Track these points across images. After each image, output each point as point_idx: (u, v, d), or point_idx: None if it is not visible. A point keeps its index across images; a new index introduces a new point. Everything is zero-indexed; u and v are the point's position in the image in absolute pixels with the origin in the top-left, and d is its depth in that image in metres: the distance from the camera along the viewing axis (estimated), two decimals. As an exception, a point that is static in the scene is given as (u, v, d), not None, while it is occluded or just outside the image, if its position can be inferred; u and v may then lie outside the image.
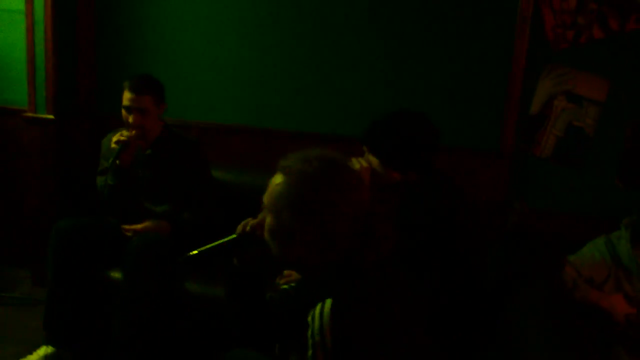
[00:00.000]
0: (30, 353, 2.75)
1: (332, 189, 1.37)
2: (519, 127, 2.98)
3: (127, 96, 2.75)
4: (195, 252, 1.69)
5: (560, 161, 2.98)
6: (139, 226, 2.76)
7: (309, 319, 1.31)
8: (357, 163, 2.19)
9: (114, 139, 2.73)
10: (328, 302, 1.30)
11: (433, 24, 3.04)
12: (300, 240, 1.39)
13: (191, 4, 3.34)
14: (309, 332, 1.30)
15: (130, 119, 2.75)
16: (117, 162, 2.73)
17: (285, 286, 1.67)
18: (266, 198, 1.45)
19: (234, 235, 1.64)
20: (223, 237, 1.67)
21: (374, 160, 2.20)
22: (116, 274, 2.75)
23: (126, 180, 2.79)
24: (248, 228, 1.59)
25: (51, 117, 3.31)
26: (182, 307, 2.66)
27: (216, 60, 3.35)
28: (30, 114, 3.35)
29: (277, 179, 1.43)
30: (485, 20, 2.97)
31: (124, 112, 2.78)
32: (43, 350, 2.66)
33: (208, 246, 1.68)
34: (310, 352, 1.29)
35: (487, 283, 2.33)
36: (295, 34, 3.22)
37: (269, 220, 1.46)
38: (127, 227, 2.76)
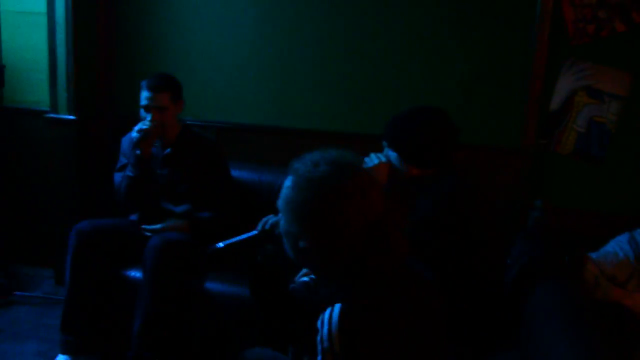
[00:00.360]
0: (53, 351, 2.79)
1: (338, 196, 1.32)
2: (539, 124, 2.95)
3: (145, 95, 2.78)
4: (221, 244, 1.72)
5: (581, 158, 2.94)
6: (158, 226, 2.77)
7: (318, 323, 1.28)
8: (375, 158, 2.19)
9: (136, 127, 2.75)
10: (337, 308, 1.28)
11: (453, 21, 3.02)
12: (309, 245, 1.37)
13: (209, 4, 3.35)
14: (318, 337, 1.27)
15: (149, 118, 2.78)
16: (138, 151, 2.75)
17: (306, 278, 1.67)
18: (279, 199, 1.44)
19: (255, 232, 1.65)
20: (245, 233, 1.69)
21: (392, 156, 2.19)
22: (136, 274, 2.76)
23: (146, 173, 2.81)
24: (267, 226, 1.60)
25: (73, 117, 3.35)
26: (203, 307, 2.68)
27: (234, 60, 3.36)
28: (52, 115, 3.39)
29: (287, 181, 1.41)
30: (505, 16, 2.94)
31: (142, 110, 2.80)
32: None
33: (232, 241, 1.71)
34: (319, 358, 1.28)
35: (507, 281, 2.30)
36: (313, 33, 3.22)
37: (282, 221, 1.45)
38: (146, 227, 2.78)
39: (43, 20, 3.34)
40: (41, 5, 3.33)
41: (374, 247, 1.34)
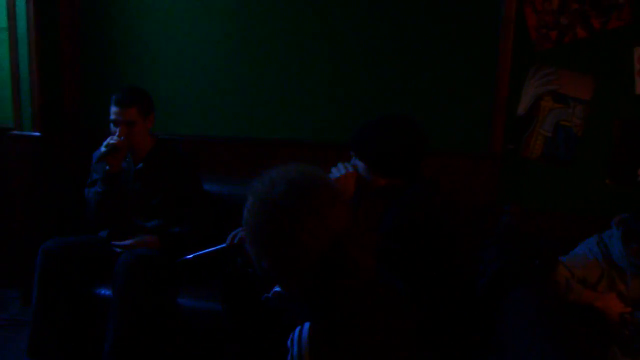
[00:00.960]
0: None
1: (292, 220, 1.27)
2: (507, 129, 2.98)
3: (112, 109, 2.74)
4: (190, 256, 1.74)
5: (549, 161, 2.98)
6: (127, 242, 2.73)
7: (288, 343, 1.26)
8: (343, 168, 2.18)
9: (104, 142, 2.72)
10: (305, 327, 1.26)
11: (418, 28, 3.04)
12: (269, 267, 1.34)
13: (177, 17, 3.33)
14: (289, 357, 1.25)
15: (118, 132, 2.74)
16: (107, 167, 2.71)
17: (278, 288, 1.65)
18: (243, 219, 1.41)
19: (224, 245, 1.64)
20: (214, 246, 1.70)
21: (360, 165, 2.18)
22: (106, 292, 2.72)
23: (116, 188, 2.77)
24: (236, 240, 1.58)
25: (38, 134, 3.29)
26: (175, 323, 2.64)
27: (202, 72, 3.34)
28: (16, 132, 3.32)
29: (247, 202, 1.37)
30: (469, 22, 2.97)
31: (111, 125, 2.76)
32: None
33: (201, 252, 1.73)
34: None
35: (479, 287, 2.31)
36: (280, 44, 3.22)
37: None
38: (116, 244, 2.74)
39: (4, 36, 3.28)
40: (2, 21, 3.28)
41: (336, 267, 1.30)
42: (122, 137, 2.72)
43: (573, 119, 2.92)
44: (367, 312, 1.34)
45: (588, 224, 2.83)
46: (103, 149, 2.71)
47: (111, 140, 2.71)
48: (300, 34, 3.18)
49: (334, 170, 2.17)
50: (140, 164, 2.86)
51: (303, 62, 3.20)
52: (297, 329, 1.27)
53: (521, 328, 1.98)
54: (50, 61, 3.35)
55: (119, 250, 2.72)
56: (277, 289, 1.65)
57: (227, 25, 3.27)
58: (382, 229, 1.98)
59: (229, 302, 1.65)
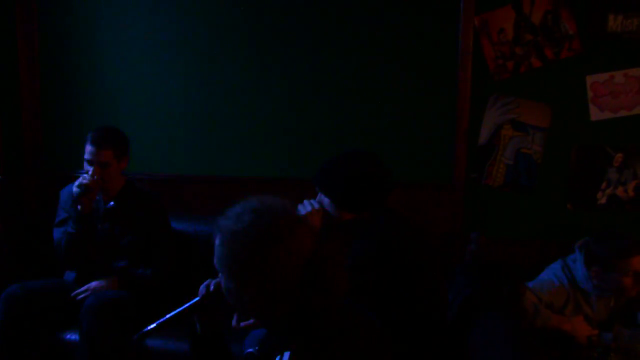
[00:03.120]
0: None
1: (263, 243, 1.32)
2: (469, 158, 3.03)
3: (88, 149, 2.72)
4: (153, 325, 1.61)
5: (512, 189, 3.03)
6: (85, 288, 2.69)
7: None
8: (309, 205, 2.18)
9: (77, 182, 2.68)
10: (285, 356, 1.27)
11: (379, 63, 3.09)
12: (248, 297, 1.36)
13: (141, 52, 3.32)
14: None
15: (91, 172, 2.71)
16: (79, 207, 2.67)
17: (251, 349, 1.63)
18: (214, 260, 1.43)
19: (197, 299, 1.59)
20: (183, 304, 1.60)
21: (325, 201, 2.19)
22: (72, 337, 2.66)
23: (87, 229, 2.73)
24: (212, 287, 1.55)
25: (-2, 177, 3.23)
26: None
27: (164, 110, 3.33)
28: (-25, 176, 3.26)
29: (217, 239, 1.40)
30: (429, 55, 3.03)
31: (85, 164, 2.73)
32: None
33: (168, 316, 1.61)
34: None
35: (450, 316, 2.32)
36: (242, 81, 3.23)
37: (222, 280, 1.44)
38: (75, 292, 2.69)
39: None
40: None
41: (312, 285, 1.34)
42: (95, 177, 2.70)
43: (533, 147, 2.98)
44: (345, 338, 1.36)
45: (552, 248, 2.88)
46: (76, 189, 2.67)
47: (84, 180, 2.68)
48: (265, 71, 3.20)
49: (300, 207, 2.17)
50: (111, 203, 2.83)
51: (268, 100, 3.22)
52: (277, 358, 1.27)
53: (491, 353, 1.99)
54: (8, 102, 3.31)
55: (81, 296, 2.66)
56: (250, 349, 1.64)
57: (193, 61, 3.28)
58: (349, 262, 1.98)
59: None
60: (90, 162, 2.72)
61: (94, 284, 2.71)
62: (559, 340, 2.47)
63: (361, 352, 1.37)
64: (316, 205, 2.18)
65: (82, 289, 2.70)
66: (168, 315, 1.60)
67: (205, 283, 1.58)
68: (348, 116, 3.14)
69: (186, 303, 1.60)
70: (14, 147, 3.35)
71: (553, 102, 2.93)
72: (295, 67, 3.17)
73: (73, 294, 2.69)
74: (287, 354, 1.27)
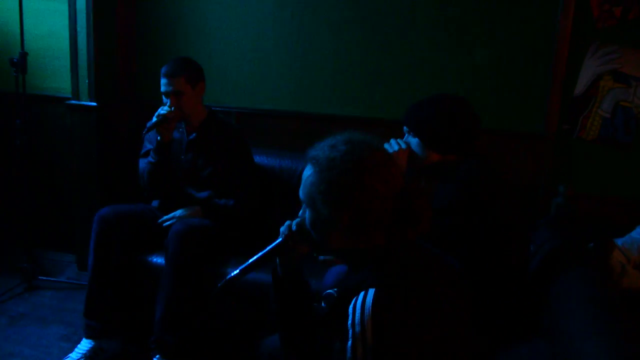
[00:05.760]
0: (76, 335, 2.83)
1: (361, 170, 1.34)
2: (563, 109, 2.90)
3: (162, 81, 2.78)
4: (236, 272, 1.60)
5: (606, 143, 2.89)
6: (171, 215, 2.80)
7: (350, 308, 1.27)
8: (396, 144, 2.18)
9: (156, 113, 2.77)
10: (370, 293, 1.27)
11: (475, 6, 2.97)
12: (339, 227, 1.37)
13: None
14: (349, 322, 1.26)
15: (168, 103, 2.78)
16: (158, 137, 2.77)
17: (331, 291, 1.65)
18: (301, 192, 1.44)
19: (279, 240, 1.59)
20: (265, 248, 1.61)
21: (413, 142, 2.18)
22: (158, 260, 2.79)
23: (166, 159, 2.82)
24: (294, 227, 1.56)
25: (94, 104, 3.36)
26: (224, 292, 2.68)
27: (255, 45, 3.34)
28: (73, 102, 3.41)
29: (307, 170, 1.42)
30: (528, -1, 2.89)
31: (163, 97, 2.80)
32: (84, 344, 2.70)
33: (251, 261, 1.61)
34: (349, 343, 1.27)
35: (530, 268, 2.28)
36: (333, 19, 3.19)
37: (308, 213, 1.45)
38: (161, 220, 2.80)
39: (64, 8, 3.35)
40: (62, -8, 3.35)
41: (404, 217, 1.36)
42: (172, 108, 2.76)
43: (634, 100, 2.82)
44: (428, 279, 1.38)
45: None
46: (154, 119, 2.76)
47: (162, 110, 2.76)
48: (357, 10, 3.14)
49: (386, 146, 2.17)
50: (194, 135, 2.90)
51: (357, 38, 3.17)
52: (361, 295, 1.27)
53: (572, 313, 1.94)
54: (106, 34, 3.41)
55: (166, 224, 2.77)
56: (329, 291, 1.65)
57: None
58: (436, 205, 1.96)
59: (279, 308, 1.65)
60: (166, 94, 2.78)
61: (179, 212, 2.81)
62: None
63: (441, 294, 1.37)
64: (403, 145, 2.17)
65: (168, 216, 2.81)
66: (250, 260, 1.61)
67: (286, 224, 1.58)
68: (440, 59, 3.06)
69: (268, 246, 1.60)
70: (108, 76, 3.47)
71: (662, 53, 2.75)
72: (389, 6, 3.09)
73: (159, 220, 2.81)
74: (371, 292, 1.27)
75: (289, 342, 1.64)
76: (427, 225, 1.39)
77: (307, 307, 1.65)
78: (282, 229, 1.59)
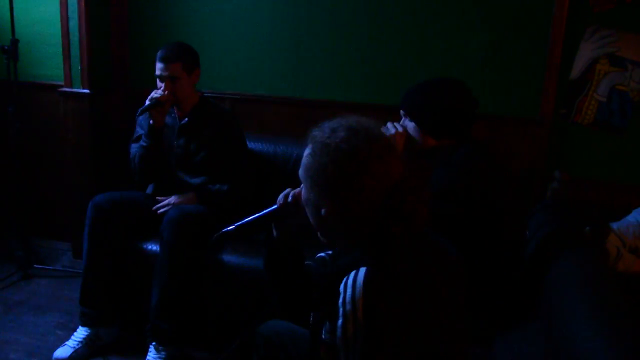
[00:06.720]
0: (73, 323, 2.82)
1: (354, 161, 1.31)
2: (559, 93, 2.89)
3: (158, 65, 2.76)
4: (231, 227, 1.63)
5: (602, 128, 2.88)
6: (165, 202, 2.79)
7: (341, 287, 1.27)
8: (392, 127, 2.17)
9: (149, 96, 2.75)
10: (361, 271, 1.27)
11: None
12: (329, 212, 1.37)
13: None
14: (340, 300, 1.26)
15: (162, 88, 2.76)
16: (150, 121, 2.75)
17: (322, 254, 1.66)
18: (300, 168, 1.44)
19: (275, 207, 1.61)
20: (261, 210, 1.63)
21: (410, 126, 2.17)
22: (153, 247, 2.78)
23: (158, 143, 2.80)
24: (290, 198, 1.57)
25: (87, 91, 3.34)
26: (219, 279, 2.68)
27: (250, 30, 3.32)
28: (66, 89, 3.38)
29: (307, 149, 1.41)
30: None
31: (157, 81, 2.78)
32: (80, 332, 2.70)
33: (246, 220, 1.63)
34: (340, 321, 1.27)
35: (526, 253, 2.28)
36: (329, 5, 3.16)
37: (303, 190, 1.45)
38: (156, 207, 2.79)
39: (56, -7, 3.32)
40: (53, -23, 3.31)
41: (391, 214, 1.33)
42: (166, 92, 2.75)
43: (630, 84, 2.81)
44: (421, 261, 1.36)
45: (640, 193, 2.76)
46: (147, 102, 2.74)
47: (155, 94, 2.73)
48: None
49: (383, 129, 2.16)
50: (186, 119, 2.88)
51: (353, 23, 3.14)
52: (353, 273, 1.27)
53: (569, 297, 1.94)
54: (99, 19, 3.38)
55: (160, 211, 2.76)
56: (321, 254, 1.66)
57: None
58: (432, 190, 1.96)
59: (271, 269, 1.68)
60: (161, 78, 2.76)
61: (173, 198, 2.80)
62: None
63: (435, 276, 1.37)
64: (400, 129, 2.17)
65: (163, 202, 2.80)
66: (246, 219, 1.63)
67: (284, 192, 1.60)
68: (436, 43, 3.04)
69: (264, 210, 1.62)
70: (101, 63, 3.44)
71: (658, 37, 2.73)
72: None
73: (154, 207, 2.80)
74: (362, 270, 1.27)
75: (281, 301, 1.67)
76: (421, 220, 1.35)
77: (298, 269, 1.66)
78: (280, 197, 1.61)
